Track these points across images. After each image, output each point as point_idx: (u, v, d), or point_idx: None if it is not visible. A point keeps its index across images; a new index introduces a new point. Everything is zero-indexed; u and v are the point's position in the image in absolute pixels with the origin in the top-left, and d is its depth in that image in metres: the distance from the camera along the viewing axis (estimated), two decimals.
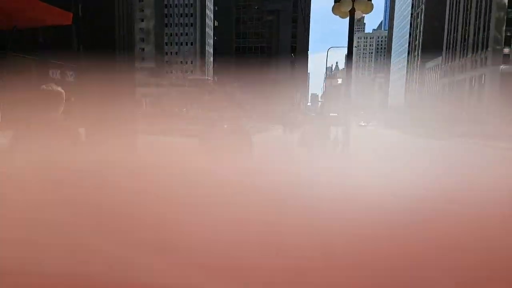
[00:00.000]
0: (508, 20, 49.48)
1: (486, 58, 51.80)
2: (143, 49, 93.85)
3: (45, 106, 1.93)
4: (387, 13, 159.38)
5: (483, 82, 52.36)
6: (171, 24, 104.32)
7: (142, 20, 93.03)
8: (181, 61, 44.77)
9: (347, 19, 6.26)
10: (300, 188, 1.39)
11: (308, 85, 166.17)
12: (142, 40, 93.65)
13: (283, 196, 1.26)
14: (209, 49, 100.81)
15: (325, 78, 24.30)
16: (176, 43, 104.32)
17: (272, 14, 67.49)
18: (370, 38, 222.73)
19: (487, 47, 51.75)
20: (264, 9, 67.60)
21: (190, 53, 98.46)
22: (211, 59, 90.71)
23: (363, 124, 53.31)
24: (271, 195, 1.25)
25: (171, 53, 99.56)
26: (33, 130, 1.89)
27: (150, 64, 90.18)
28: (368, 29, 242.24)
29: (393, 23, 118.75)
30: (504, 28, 49.65)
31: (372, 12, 6.33)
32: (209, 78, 62.42)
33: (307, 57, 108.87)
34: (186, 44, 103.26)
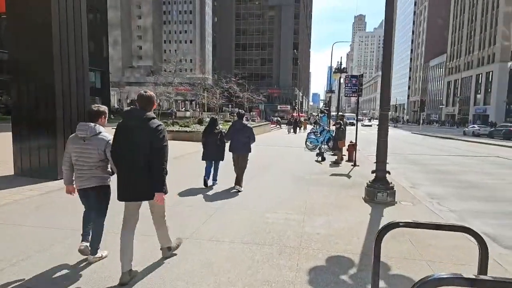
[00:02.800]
0: None
1: (494, 54, 50.66)
2: (140, 47, 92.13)
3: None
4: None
5: (490, 79, 51.33)
6: (169, 21, 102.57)
7: (140, 17, 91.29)
8: (180, 59, 42.98)
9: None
10: None
11: (310, 84, 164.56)
12: (140, 37, 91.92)
13: None
14: (209, 47, 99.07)
15: (329, 75, 23.46)
16: (175, 41, 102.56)
17: (273, 10, 65.62)
18: (372, 37, 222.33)
19: (494, 43, 50.69)
20: (266, 4, 65.71)
21: (189, 51, 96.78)
22: (211, 56, 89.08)
23: (367, 123, 52.21)
24: None
25: (170, 51, 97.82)
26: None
27: (147, 63, 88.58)
28: (369, 28, 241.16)
29: (394, 19, 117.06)
30: None
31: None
32: (208, 76, 60.76)
33: (309, 55, 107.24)
34: (185, 42, 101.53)
